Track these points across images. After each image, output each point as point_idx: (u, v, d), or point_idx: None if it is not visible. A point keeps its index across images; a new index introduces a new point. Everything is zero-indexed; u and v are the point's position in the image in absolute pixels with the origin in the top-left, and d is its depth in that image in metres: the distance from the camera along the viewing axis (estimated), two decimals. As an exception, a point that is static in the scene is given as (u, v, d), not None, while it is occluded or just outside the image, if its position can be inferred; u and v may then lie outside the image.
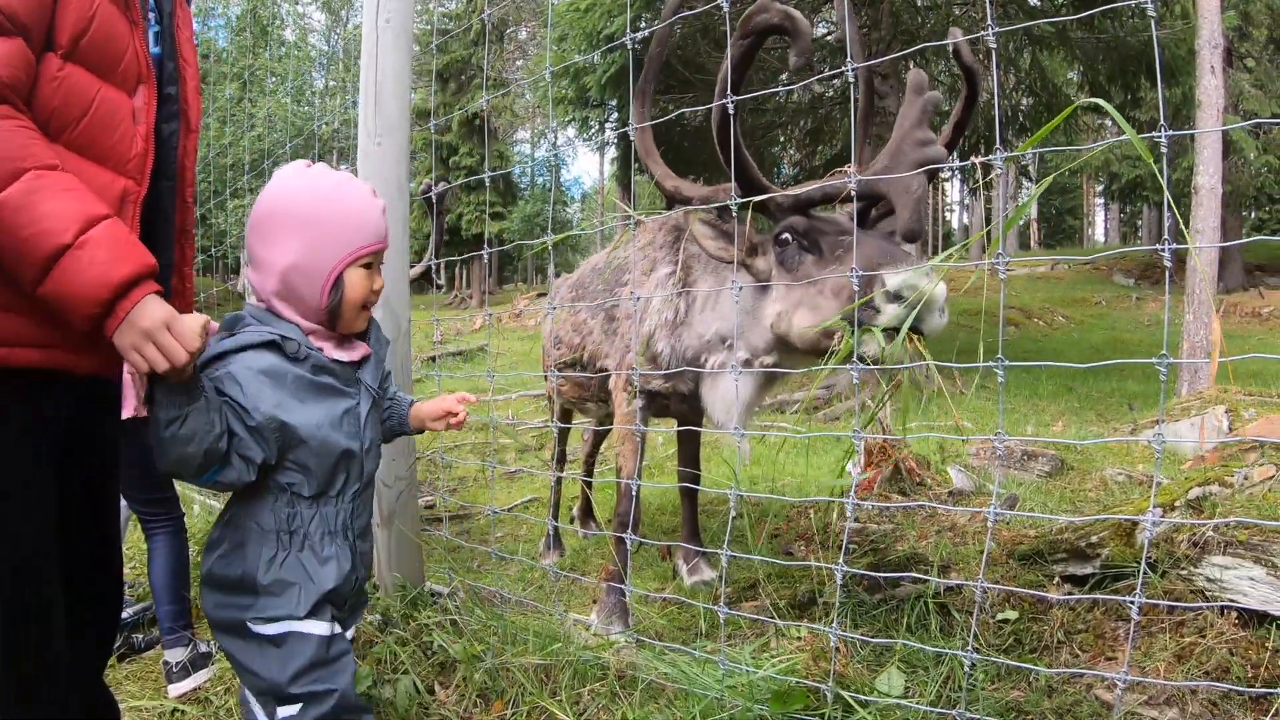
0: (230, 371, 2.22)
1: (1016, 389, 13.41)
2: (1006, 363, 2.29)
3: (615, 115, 18.30)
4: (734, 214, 3.25)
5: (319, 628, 2.33)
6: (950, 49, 3.16)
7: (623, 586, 4.13)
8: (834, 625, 2.71)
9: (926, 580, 3.46)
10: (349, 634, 2.55)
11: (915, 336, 2.89)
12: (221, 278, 11.91)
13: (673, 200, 3.75)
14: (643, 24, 14.30)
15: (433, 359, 16.39)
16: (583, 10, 15.09)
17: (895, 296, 2.84)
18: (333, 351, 2.40)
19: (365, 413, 2.47)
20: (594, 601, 4.42)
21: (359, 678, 3.35)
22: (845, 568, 2.66)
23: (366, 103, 3.84)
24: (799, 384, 10.76)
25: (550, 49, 16.94)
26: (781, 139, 20.76)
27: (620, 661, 3.26)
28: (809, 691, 2.79)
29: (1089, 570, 3.55)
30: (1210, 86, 12.40)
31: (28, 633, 2.16)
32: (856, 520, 5.03)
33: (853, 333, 2.90)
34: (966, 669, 2.63)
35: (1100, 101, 2.30)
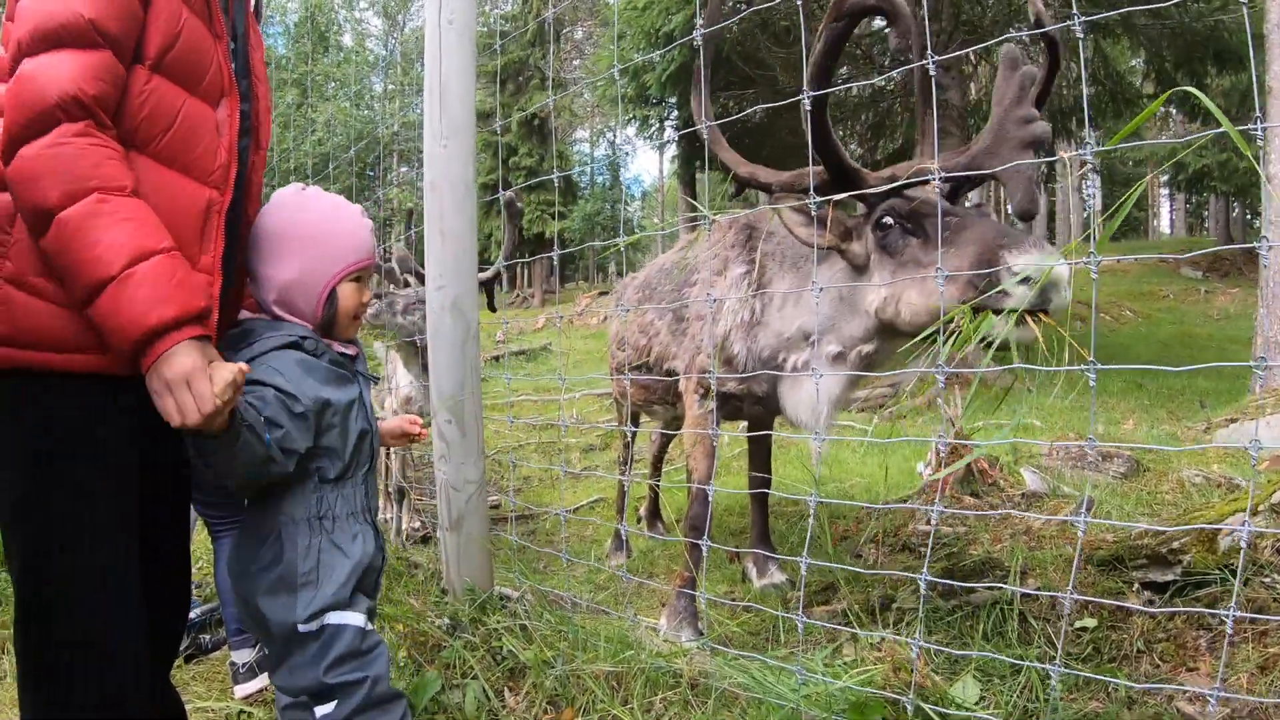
0: (270, 365, 2.29)
1: (1084, 387, 13.14)
2: (1100, 366, 2.21)
3: (675, 113, 18.25)
4: (813, 204, 3.14)
5: (355, 619, 2.38)
6: (1031, 18, 3.06)
7: (694, 592, 4.06)
8: (917, 635, 2.64)
9: (1005, 589, 3.37)
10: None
11: (1043, 317, 2.76)
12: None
13: (746, 187, 3.67)
14: (698, 20, 14.15)
15: (497, 358, 16.44)
16: (640, 9, 15.05)
17: (1022, 278, 2.73)
18: (338, 347, 2.54)
19: (367, 399, 2.61)
20: (662, 605, 4.37)
21: (428, 682, 3.36)
22: (927, 576, 2.59)
23: (431, 105, 3.81)
24: (870, 382, 10.64)
25: (609, 48, 16.89)
26: (843, 134, 20.59)
27: (693, 669, 3.20)
28: (888, 703, 2.72)
29: (1170, 577, 3.44)
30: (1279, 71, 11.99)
31: (117, 637, 2.17)
32: (929, 523, 4.94)
33: (973, 316, 2.79)
34: (1054, 682, 2.53)
35: (1194, 91, 2.21)
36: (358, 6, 53.80)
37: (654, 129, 20.88)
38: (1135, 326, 24.33)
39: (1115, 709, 2.85)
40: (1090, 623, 3.33)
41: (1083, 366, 2.23)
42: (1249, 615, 2.83)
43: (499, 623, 3.70)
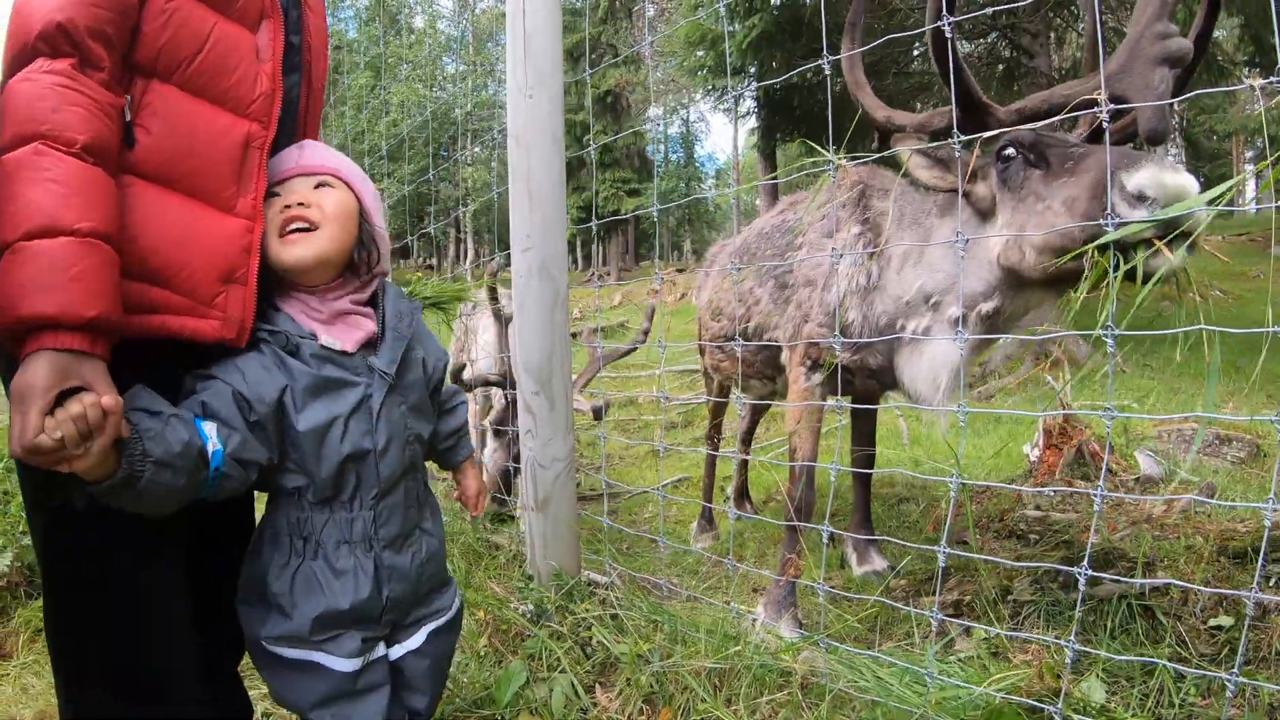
0: (235, 362, 2.01)
1: (1182, 370, 12.68)
2: (1222, 329, 1.89)
3: (755, 85, 17.93)
4: (956, 144, 2.85)
5: (338, 663, 2.13)
6: None
7: (796, 580, 3.77)
8: (1071, 639, 2.35)
9: (1171, 583, 3.07)
10: (416, 641, 2.36)
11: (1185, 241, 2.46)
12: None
13: (884, 132, 3.39)
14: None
15: (575, 335, 16.27)
16: (716, -23, 14.80)
17: (1139, 198, 2.43)
18: (326, 337, 2.13)
19: (379, 405, 2.18)
20: (754, 591, 4.12)
21: (511, 675, 3.16)
22: (1089, 571, 2.28)
23: (515, 55, 3.59)
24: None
25: (683, 20, 16.64)
26: (920, 106, 20.19)
27: (803, 666, 2.93)
28: (1026, 710, 2.44)
29: None
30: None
31: (151, 619, 2.01)
32: (1038, 508, 4.66)
33: (1105, 250, 2.50)
34: (1231, 692, 2.23)
35: None
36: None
37: (735, 100, 20.59)
38: (1226, 307, 23.69)
39: (1256, 717, 2.61)
40: (1226, 621, 3.04)
41: (1206, 327, 1.93)
42: None
43: (588, 611, 3.48)
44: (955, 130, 2.65)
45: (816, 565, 4.71)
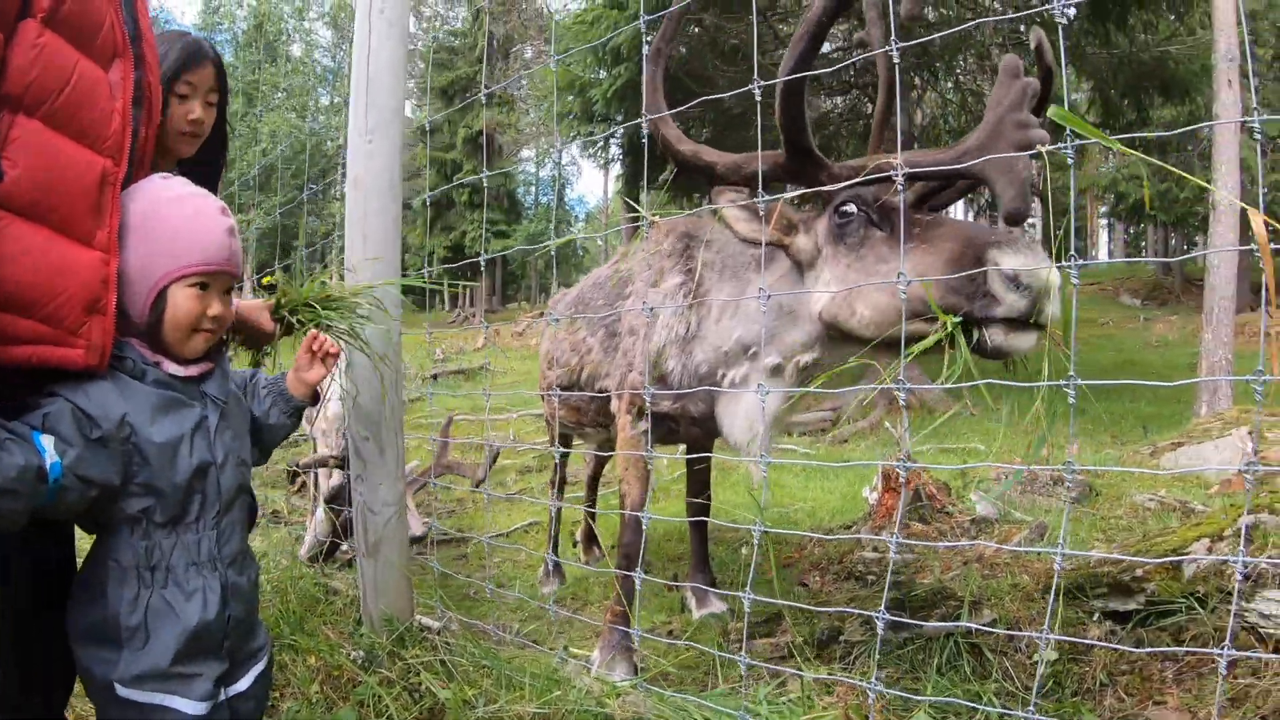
0: (81, 382, 2.05)
1: (1026, 411, 13.06)
2: (1080, 381, 2.00)
3: (621, 132, 18.12)
4: (761, 201, 2.93)
5: (188, 706, 2.15)
6: (1033, 47, 2.87)
7: (626, 629, 3.79)
8: (872, 675, 2.43)
9: (960, 624, 3.19)
10: (244, 684, 2.37)
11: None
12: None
13: (685, 168, 3.44)
14: (648, 39, 14.14)
15: (435, 377, 16.14)
16: (589, 23, 14.94)
17: (1015, 282, 2.51)
18: (170, 366, 2.23)
19: (214, 426, 2.29)
20: (596, 636, 4.14)
21: (339, 720, 3.14)
22: (886, 615, 2.36)
23: (357, 99, 3.60)
24: (809, 405, 10.51)
25: (556, 64, 16.75)
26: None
27: (626, 711, 2.96)
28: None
29: (1132, 606, 3.31)
30: (1228, 101, 12.16)
31: None
32: (875, 550, 4.77)
33: (958, 324, 2.55)
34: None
35: (1063, 111, 2.03)
36: (308, 17, 53.61)
37: (598, 147, 20.77)
38: (1078, 353, 24.52)
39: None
40: (1051, 655, 3.15)
41: (1063, 381, 2.02)
42: (1241, 654, 2.65)
43: (419, 656, 3.45)
44: (760, 185, 2.72)
45: (658, 610, 4.76)
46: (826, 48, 14.87)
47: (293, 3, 54.67)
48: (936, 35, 3.30)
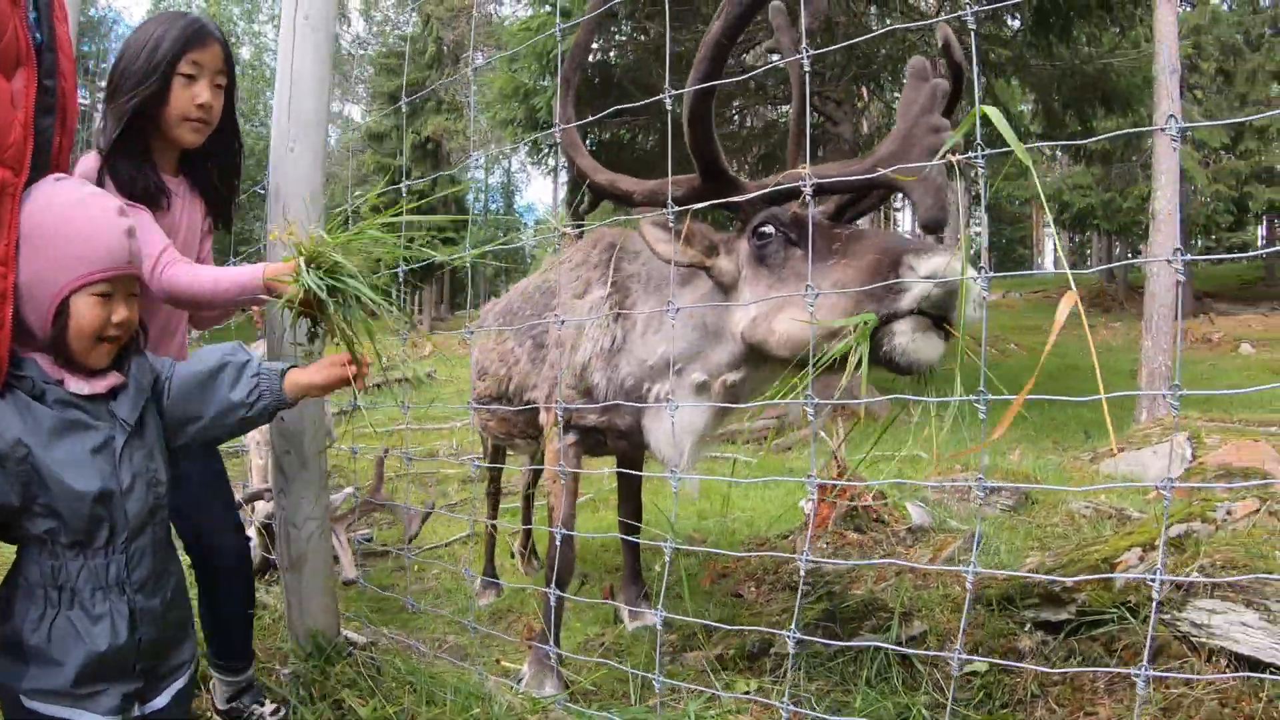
0: None
1: (971, 417, 13.12)
2: (989, 396, 1.97)
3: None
4: (670, 214, 2.88)
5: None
6: (939, 44, 2.84)
7: (547, 648, 3.71)
8: (784, 699, 2.40)
9: (887, 639, 3.20)
10: (162, 701, 2.34)
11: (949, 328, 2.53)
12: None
13: (602, 196, 3.41)
14: (595, 44, 14.13)
15: (379, 385, 15.93)
16: (533, 30, 14.89)
17: (927, 280, 2.46)
18: (73, 384, 2.15)
19: (120, 448, 2.20)
20: (530, 649, 4.10)
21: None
22: (796, 634, 2.34)
23: (280, 104, 3.54)
24: (751, 413, 10.52)
25: (504, 71, 16.69)
26: (735, 165, 20.64)
27: (547, 726, 2.93)
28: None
29: (1064, 616, 3.31)
30: (1168, 112, 12.33)
31: None
32: (811, 560, 4.75)
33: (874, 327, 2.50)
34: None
35: (990, 111, 2.01)
36: (257, 19, 53.24)
37: (544, 154, 20.72)
38: (1020, 359, 24.84)
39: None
40: (981, 666, 3.14)
41: (972, 397, 2.00)
42: (1161, 674, 2.65)
43: (343, 674, 3.39)
44: (670, 202, 2.69)
45: (592, 622, 4.72)
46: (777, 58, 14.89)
47: (242, 4, 54.34)
48: (842, 45, 3.25)
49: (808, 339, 2.61)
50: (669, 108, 2.68)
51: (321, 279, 2.51)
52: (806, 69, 2.44)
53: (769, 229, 2.95)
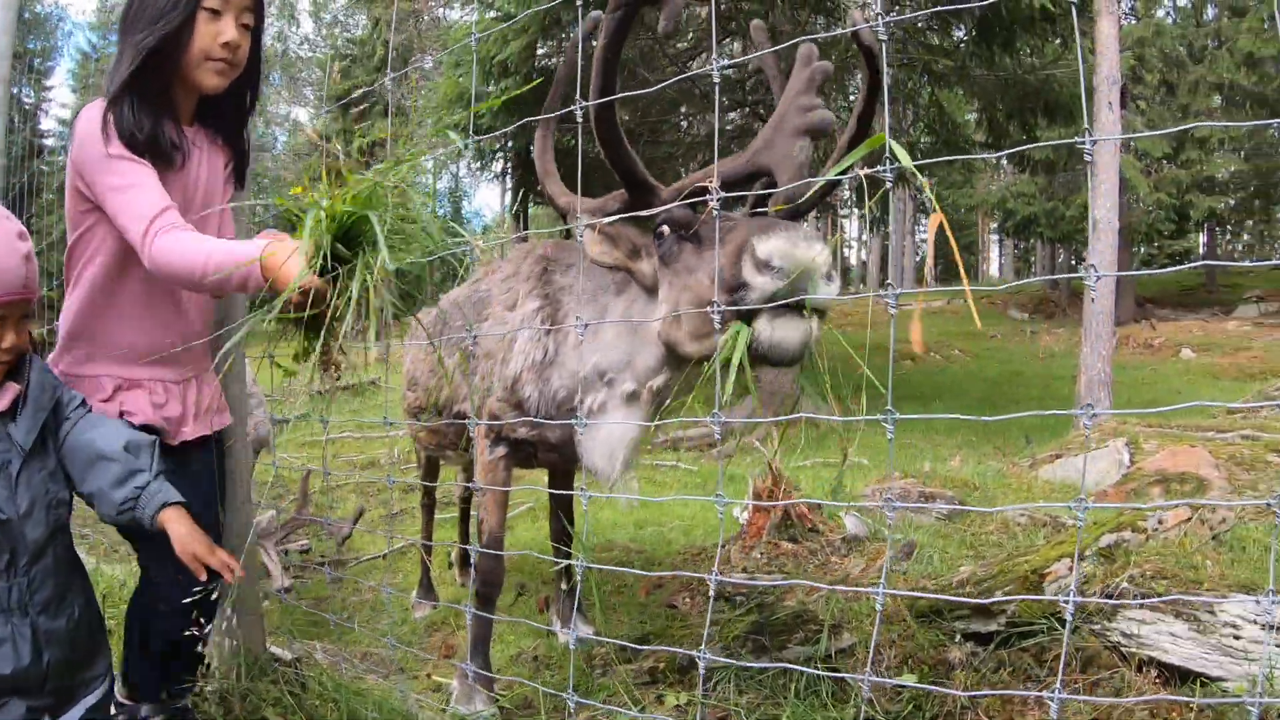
0: None
1: (912, 424, 13.23)
2: (897, 415, 1.95)
3: (511, 143, 18.06)
4: (581, 224, 2.88)
5: None
6: (851, 34, 2.83)
7: (465, 666, 3.66)
8: (699, 715, 2.39)
9: (817, 652, 3.20)
10: (74, 715, 2.32)
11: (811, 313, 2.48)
12: None
13: (565, 218, 3.40)
14: (541, 49, 14.14)
15: (321, 393, 15.68)
16: (479, 32, 14.86)
17: (765, 265, 2.42)
18: None
19: (16, 473, 2.16)
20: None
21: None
22: (707, 655, 2.31)
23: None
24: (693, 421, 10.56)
25: (449, 76, 16.65)
26: (681, 171, 20.69)
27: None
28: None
29: (994, 627, 3.31)
30: (1108, 122, 12.56)
31: None
32: (744, 571, 4.74)
33: (743, 325, 2.47)
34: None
35: (894, 145, 1.99)
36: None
37: (488, 159, 20.68)
38: (964, 365, 25.09)
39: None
40: (910, 678, 3.15)
41: (881, 416, 1.98)
42: (1071, 697, 2.65)
43: (267, 692, 3.33)
44: (579, 211, 2.68)
45: (526, 635, 4.68)
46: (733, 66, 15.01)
47: (195, -5, 53.84)
48: (751, 56, 3.27)
49: (705, 333, 2.64)
50: (579, 120, 2.66)
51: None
52: (716, 82, 2.43)
53: (664, 229, 2.97)
